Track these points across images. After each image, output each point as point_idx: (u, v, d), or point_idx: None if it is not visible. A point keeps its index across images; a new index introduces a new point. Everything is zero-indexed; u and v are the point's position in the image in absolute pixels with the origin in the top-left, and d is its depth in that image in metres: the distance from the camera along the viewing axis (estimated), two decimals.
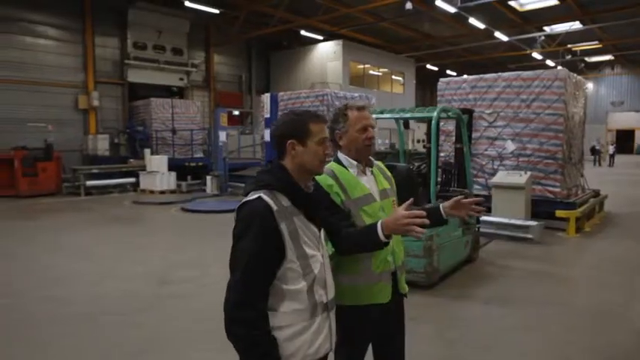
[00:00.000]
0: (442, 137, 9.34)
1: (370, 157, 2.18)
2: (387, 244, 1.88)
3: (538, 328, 4.05)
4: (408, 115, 5.52)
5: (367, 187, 2.10)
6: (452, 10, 16.28)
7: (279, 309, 1.56)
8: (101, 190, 13.47)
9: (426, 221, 1.75)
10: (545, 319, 4.26)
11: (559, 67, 8.70)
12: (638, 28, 20.91)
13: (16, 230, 8.42)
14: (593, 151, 27.38)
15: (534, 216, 7.98)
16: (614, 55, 30.48)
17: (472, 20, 17.82)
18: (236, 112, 22.99)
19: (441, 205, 2.11)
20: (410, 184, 5.35)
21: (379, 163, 2.32)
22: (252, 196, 1.58)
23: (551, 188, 8.33)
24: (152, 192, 13.41)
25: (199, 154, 17.30)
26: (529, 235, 7.25)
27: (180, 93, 20.21)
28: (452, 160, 6.90)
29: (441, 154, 9.18)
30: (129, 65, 18.15)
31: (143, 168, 14.00)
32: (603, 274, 5.73)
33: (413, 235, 1.76)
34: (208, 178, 13.66)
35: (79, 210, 10.89)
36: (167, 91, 19.73)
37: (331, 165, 2.15)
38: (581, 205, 8.34)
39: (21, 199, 12.37)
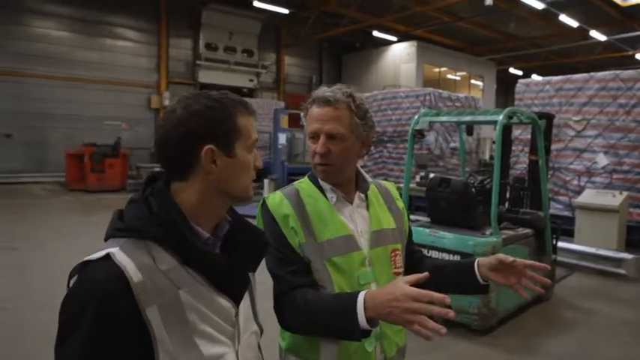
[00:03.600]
0: (519, 147, 8.14)
1: (364, 177, 1.39)
2: (366, 334, 1.10)
3: None
4: (467, 118, 4.57)
5: (349, 225, 1.31)
6: (540, 6, 14.64)
7: None
8: None
9: (450, 313, 0.97)
10: None
11: None
12: None
13: (65, 225, 8.48)
14: None
15: (629, 246, 6.59)
16: None
17: (563, 18, 15.96)
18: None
19: (477, 261, 1.30)
20: (466, 203, 4.43)
21: (387, 184, 1.51)
22: (100, 253, 0.87)
23: None
24: None
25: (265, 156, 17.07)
26: (621, 271, 5.92)
27: (250, 94, 20.23)
28: (524, 175, 5.80)
29: (517, 167, 8.00)
30: (200, 66, 18.43)
31: None
32: None
33: (420, 334, 0.96)
34: (265, 181, 13.35)
35: None
36: (237, 92, 19.66)
37: (300, 183, 1.39)
38: None
39: (89, 193, 12.77)
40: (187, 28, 18.39)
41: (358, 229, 1.33)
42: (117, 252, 0.86)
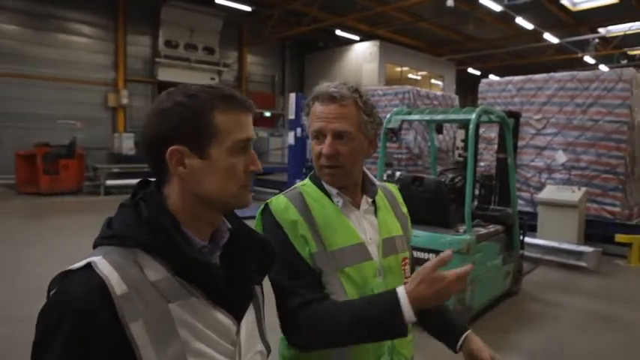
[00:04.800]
0: (482, 145, 8.33)
1: (371, 179, 1.31)
2: (406, 330, 1.07)
3: None
4: (440, 116, 4.61)
5: (358, 232, 1.22)
6: (498, 8, 15.09)
7: None
8: (122, 190, 13.09)
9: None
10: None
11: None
12: None
13: (17, 231, 8.00)
14: None
15: (588, 239, 6.87)
16: None
17: (519, 20, 16.52)
18: (267, 114, 22.49)
19: (465, 335, 1.27)
20: (439, 201, 4.46)
21: (391, 187, 1.44)
22: (81, 262, 0.78)
23: (609, 207, 7.19)
24: None
25: None
26: (583, 263, 6.16)
27: None
28: (492, 173, 5.92)
29: (480, 165, 8.18)
30: (160, 64, 17.92)
31: None
32: None
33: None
34: None
35: (93, 211, 10.47)
36: None
37: (304, 185, 1.29)
38: None
39: (42, 196, 12.13)
40: (146, 24, 17.82)
41: (367, 236, 1.24)
42: (99, 261, 0.77)
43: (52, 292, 0.79)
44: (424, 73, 24.25)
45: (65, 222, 9.07)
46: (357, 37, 21.30)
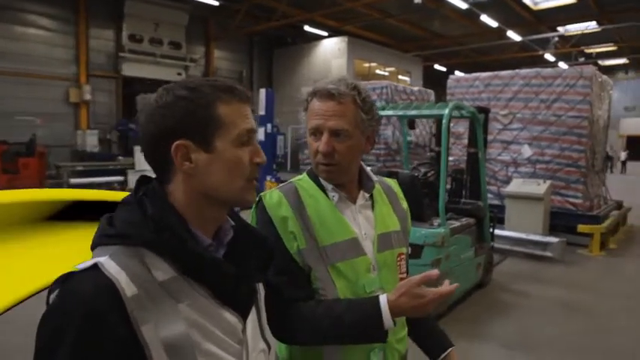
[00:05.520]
0: (451, 140, 8.50)
1: (369, 174, 1.31)
2: (385, 336, 1.10)
3: None
4: (413, 112, 4.68)
5: (353, 227, 1.23)
6: (463, 6, 15.41)
7: None
8: (88, 189, 12.72)
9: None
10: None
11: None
12: None
13: None
14: (606, 157, 26.39)
15: (552, 230, 7.13)
16: (628, 59, 29.45)
17: (484, 18, 16.93)
18: None
19: (449, 351, 1.35)
20: (414, 195, 4.53)
21: (390, 182, 1.43)
22: (86, 263, 0.75)
23: (572, 199, 7.46)
24: None
25: None
26: (548, 254, 6.40)
27: None
28: (463, 167, 6.06)
29: (450, 159, 8.35)
30: (124, 58, 17.39)
31: (132, 166, 13.26)
32: None
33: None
34: None
35: None
36: None
37: (299, 180, 1.28)
38: (606, 219, 7.48)
39: None
40: (109, 17, 17.26)
41: (362, 231, 1.24)
42: (106, 261, 0.74)
43: (53, 296, 0.75)
44: (392, 69, 24.51)
45: None
46: (325, 33, 21.33)
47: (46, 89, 15.69)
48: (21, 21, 15.16)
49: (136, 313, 0.72)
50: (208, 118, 0.82)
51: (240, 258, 0.91)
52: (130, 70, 17.65)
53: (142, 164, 12.89)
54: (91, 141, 15.30)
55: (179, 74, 19.28)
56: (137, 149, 14.01)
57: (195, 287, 0.80)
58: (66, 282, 0.74)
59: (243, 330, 0.88)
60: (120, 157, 14.46)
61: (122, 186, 13.21)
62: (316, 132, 1.20)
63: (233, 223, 0.94)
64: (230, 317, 0.85)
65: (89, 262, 0.75)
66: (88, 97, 16.34)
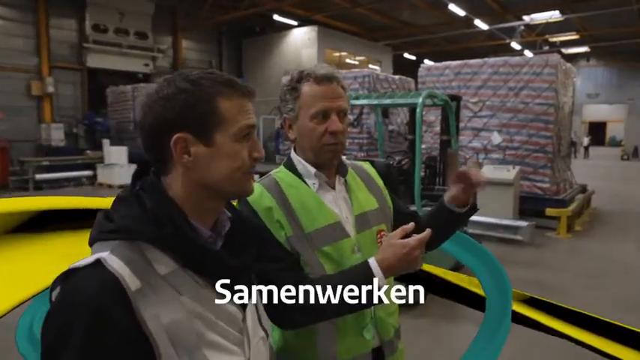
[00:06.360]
0: (423, 128, 8.63)
1: (343, 160, 1.34)
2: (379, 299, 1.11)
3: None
4: (387, 101, 4.74)
5: (335, 211, 1.26)
6: None
7: None
8: (53, 185, 12.33)
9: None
10: (550, 350, 3.57)
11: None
12: (616, 18, 20.63)
13: None
14: (570, 143, 27.31)
15: (522, 214, 7.36)
16: (590, 47, 30.39)
17: (452, 7, 17.16)
18: None
19: (444, 198, 1.38)
20: (390, 183, 4.60)
21: (362, 164, 1.47)
22: (87, 259, 0.74)
23: (539, 184, 7.71)
24: (110, 186, 12.32)
25: None
26: (519, 237, 6.61)
27: (146, 79, 19.01)
28: (436, 154, 6.18)
29: (422, 147, 8.48)
30: (88, 49, 16.86)
31: (101, 160, 12.93)
32: (609, 286, 5.10)
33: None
34: None
35: None
36: (132, 78, 18.51)
37: (278, 172, 1.30)
38: (572, 202, 7.77)
39: None
40: (70, 6, 16.64)
41: (343, 215, 1.28)
42: (108, 256, 0.74)
43: (55, 294, 0.74)
44: (362, 58, 24.56)
45: None
46: (295, 22, 21.19)
47: (5, 81, 15.07)
48: None
49: (140, 307, 0.73)
50: (209, 112, 0.82)
51: (238, 249, 0.92)
52: (94, 61, 17.14)
53: (111, 158, 12.59)
54: (56, 135, 14.81)
55: (146, 65, 18.84)
56: (106, 142, 13.67)
57: (196, 279, 0.81)
58: (68, 279, 0.74)
59: (244, 319, 0.90)
60: (88, 151, 14.05)
61: (91, 180, 12.89)
62: (322, 115, 1.23)
63: (230, 214, 0.95)
64: (231, 307, 0.87)
65: (91, 258, 0.75)
66: (51, 89, 15.79)
